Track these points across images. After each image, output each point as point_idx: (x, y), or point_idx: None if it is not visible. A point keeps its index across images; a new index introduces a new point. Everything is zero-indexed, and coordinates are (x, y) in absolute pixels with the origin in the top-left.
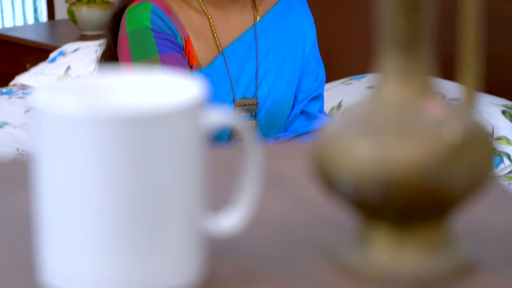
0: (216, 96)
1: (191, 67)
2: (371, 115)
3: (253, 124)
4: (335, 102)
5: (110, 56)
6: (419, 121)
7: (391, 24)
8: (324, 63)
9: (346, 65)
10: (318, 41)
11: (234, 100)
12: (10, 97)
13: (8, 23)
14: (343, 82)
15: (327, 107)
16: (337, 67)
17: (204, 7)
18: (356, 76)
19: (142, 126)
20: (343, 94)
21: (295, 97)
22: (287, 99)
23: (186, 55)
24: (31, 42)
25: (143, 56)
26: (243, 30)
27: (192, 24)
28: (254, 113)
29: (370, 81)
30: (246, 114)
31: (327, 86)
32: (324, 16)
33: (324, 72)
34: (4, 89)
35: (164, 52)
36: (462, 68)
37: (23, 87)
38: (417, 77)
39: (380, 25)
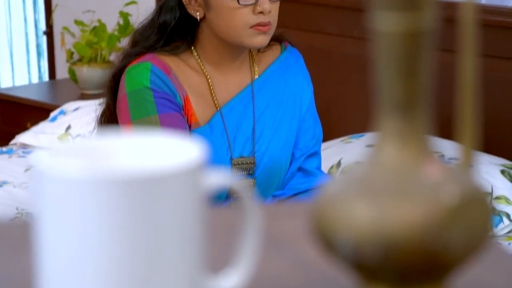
0: (214, 155)
1: (190, 125)
2: (370, 177)
3: (250, 182)
4: (334, 161)
5: (109, 115)
6: (418, 184)
7: (389, 88)
8: (323, 121)
9: (345, 124)
10: (316, 99)
11: (231, 159)
12: (10, 156)
13: (7, 83)
14: (342, 141)
15: (326, 165)
16: (336, 125)
17: (203, 66)
18: (355, 134)
19: (142, 188)
20: (342, 153)
21: (293, 155)
22: (284, 156)
23: (185, 113)
24: (32, 101)
25: (142, 115)
26: (241, 88)
27: (191, 83)
28: (252, 172)
29: (369, 139)
30: (243, 173)
31: (327, 144)
32: (323, 74)
33: (321, 129)
34: (4, 148)
35: (163, 111)
36: (459, 128)
37: (24, 146)
38: (415, 139)
39: (378, 88)
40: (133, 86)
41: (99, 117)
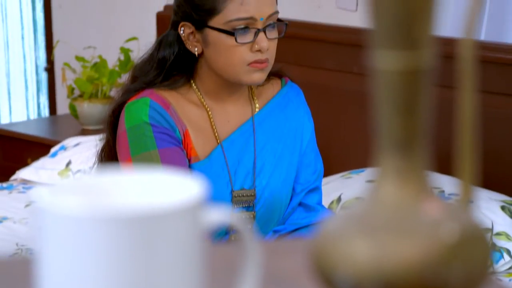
0: (214, 188)
1: (189, 159)
2: (370, 215)
3: (251, 215)
4: (334, 196)
5: (109, 151)
6: (417, 221)
7: (388, 126)
8: (323, 156)
9: (345, 159)
10: (317, 134)
11: (232, 191)
12: (10, 192)
13: (5, 120)
14: (342, 176)
15: (327, 201)
16: (337, 160)
17: (203, 99)
18: (356, 170)
19: (142, 226)
20: (342, 188)
21: (293, 189)
22: (285, 191)
23: (184, 148)
24: (33, 137)
25: (142, 150)
26: (242, 122)
27: (190, 117)
28: (252, 205)
29: (370, 175)
30: (244, 206)
31: (327, 179)
32: (323, 109)
33: (322, 164)
34: (4, 184)
35: (162, 146)
36: (458, 163)
37: (24, 181)
38: (414, 177)
39: (377, 125)
40: (133, 122)
41: (99, 152)
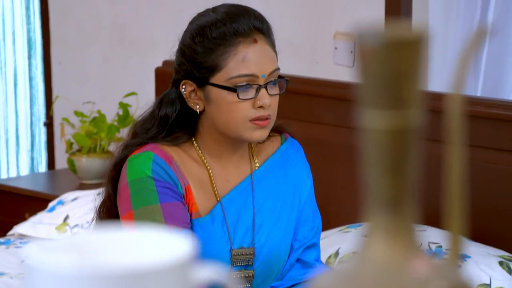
0: (214, 246)
1: (191, 215)
2: (359, 273)
3: (250, 273)
4: (332, 250)
5: (109, 205)
6: (405, 280)
7: (376, 184)
8: (321, 210)
9: (343, 213)
10: (316, 188)
11: (231, 249)
12: (7, 247)
13: (3, 174)
14: (340, 230)
15: (324, 255)
16: (335, 215)
17: (203, 157)
18: (353, 224)
19: (131, 283)
20: (340, 242)
21: (291, 246)
22: (283, 247)
23: (186, 203)
24: (30, 191)
25: (144, 204)
26: (241, 179)
27: (192, 173)
28: (251, 263)
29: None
30: (242, 264)
31: (325, 234)
32: (321, 164)
33: (320, 220)
34: (2, 239)
35: (164, 200)
36: (447, 218)
37: (21, 236)
38: (403, 235)
39: (366, 184)
40: (135, 175)
41: (98, 208)
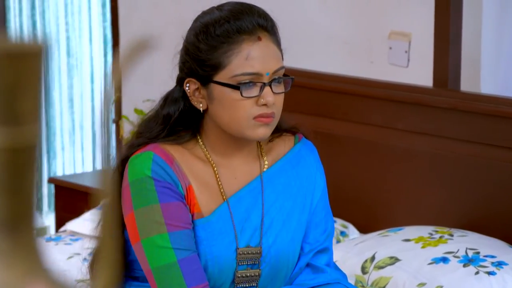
0: (218, 245)
1: (192, 215)
2: None
3: (256, 273)
4: None
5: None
6: None
7: None
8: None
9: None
10: (359, 189)
11: (237, 248)
12: (57, 244)
13: (79, 171)
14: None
15: None
16: None
17: (209, 155)
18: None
19: None
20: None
21: (302, 249)
22: (292, 250)
23: (187, 203)
24: (90, 188)
25: (144, 204)
26: (249, 179)
27: (195, 173)
28: (258, 262)
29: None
30: (249, 263)
31: None
32: (367, 164)
33: (333, 224)
34: (53, 235)
35: (164, 200)
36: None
37: (72, 233)
38: (22, 258)
39: None
40: (135, 176)
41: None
